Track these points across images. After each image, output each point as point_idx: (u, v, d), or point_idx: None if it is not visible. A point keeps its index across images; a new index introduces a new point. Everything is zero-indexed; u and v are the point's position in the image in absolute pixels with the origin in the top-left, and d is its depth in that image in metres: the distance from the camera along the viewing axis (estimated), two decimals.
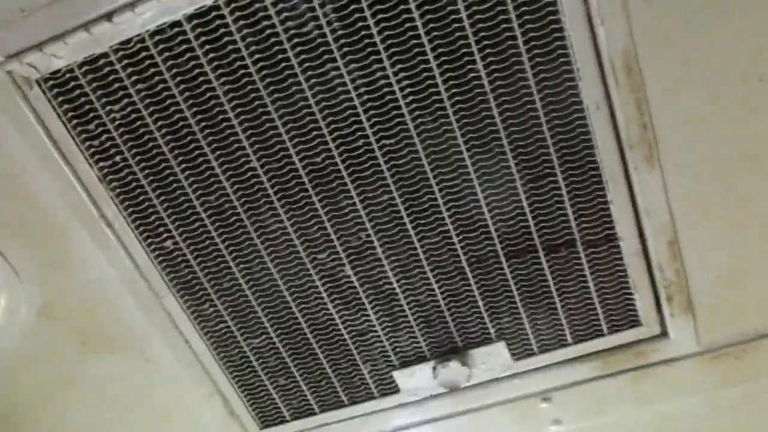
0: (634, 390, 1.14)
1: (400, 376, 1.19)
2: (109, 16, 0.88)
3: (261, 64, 0.93)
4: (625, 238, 1.02)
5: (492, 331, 1.14)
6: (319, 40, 0.91)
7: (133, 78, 0.95)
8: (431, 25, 0.89)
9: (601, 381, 1.15)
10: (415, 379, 1.19)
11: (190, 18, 0.90)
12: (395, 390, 1.21)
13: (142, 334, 1.17)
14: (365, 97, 0.95)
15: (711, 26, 0.86)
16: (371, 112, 0.96)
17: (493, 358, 1.15)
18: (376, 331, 1.15)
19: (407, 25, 0.89)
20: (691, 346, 1.10)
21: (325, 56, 0.92)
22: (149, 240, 1.08)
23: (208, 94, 0.96)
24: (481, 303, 1.11)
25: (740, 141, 0.94)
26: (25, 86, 0.94)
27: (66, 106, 0.97)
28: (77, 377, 1.25)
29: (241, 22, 0.90)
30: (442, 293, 1.11)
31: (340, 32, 0.90)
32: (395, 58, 0.91)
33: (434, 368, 1.15)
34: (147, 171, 1.02)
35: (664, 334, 1.10)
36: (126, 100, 0.96)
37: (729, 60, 0.88)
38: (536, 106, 0.94)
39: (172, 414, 1.26)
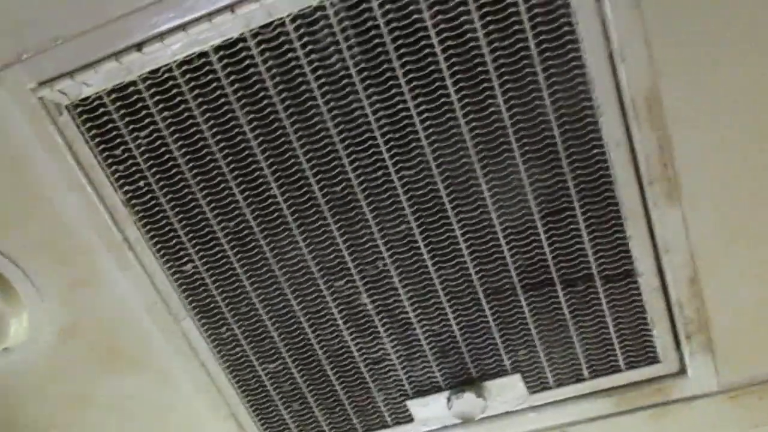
0: (652, 427, 1.13)
1: (415, 406, 1.18)
2: (139, 47, 0.91)
3: (284, 94, 0.94)
4: (644, 274, 1.02)
5: (507, 363, 1.13)
6: (342, 72, 0.93)
7: (160, 106, 0.97)
8: (453, 59, 0.90)
9: (618, 417, 1.13)
10: (429, 409, 1.18)
11: (217, 49, 0.92)
12: (409, 419, 1.21)
13: (160, 356, 1.19)
14: (386, 128, 0.96)
15: (733, 65, 0.86)
16: (391, 143, 0.97)
17: (508, 390, 1.15)
18: (391, 360, 1.15)
19: (429, 59, 0.90)
20: (711, 385, 1.08)
21: (348, 88, 0.94)
22: (169, 263, 1.10)
23: (232, 123, 0.97)
24: (497, 335, 1.11)
25: (762, 180, 0.93)
26: (54, 112, 0.97)
27: (94, 132, 0.99)
28: (95, 396, 1.26)
29: (267, 54, 0.92)
30: (457, 324, 1.11)
31: (362, 65, 0.92)
32: (416, 90, 0.92)
33: (449, 399, 1.15)
34: (170, 196, 1.04)
35: (682, 371, 1.09)
36: (152, 127, 0.98)
37: (752, 98, 0.88)
38: (556, 141, 0.94)
39: None
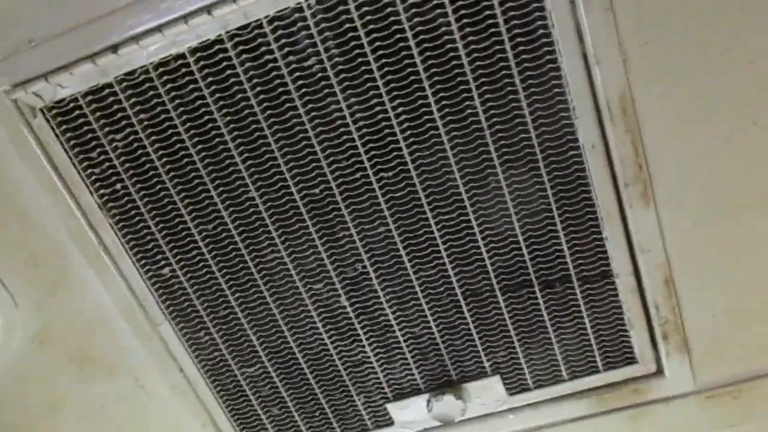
0: (630, 428, 1.14)
1: (394, 409, 1.18)
2: (114, 48, 0.90)
3: (262, 96, 0.94)
4: (621, 275, 1.02)
5: (487, 365, 1.13)
6: (319, 74, 0.93)
7: (136, 108, 0.96)
8: (430, 61, 0.90)
9: (597, 418, 1.14)
10: (409, 412, 1.18)
11: (193, 51, 0.91)
12: (389, 422, 1.20)
13: (137, 361, 1.17)
14: (364, 130, 0.96)
15: (707, 70, 0.88)
16: (369, 146, 0.97)
17: (487, 392, 1.15)
18: (370, 363, 1.15)
19: (406, 61, 0.91)
20: (687, 385, 1.09)
21: (325, 90, 0.94)
22: (147, 267, 1.09)
23: (209, 125, 0.97)
24: (476, 336, 1.11)
25: (734, 182, 0.94)
26: (29, 114, 0.96)
27: (69, 135, 0.98)
28: (70, 402, 1.24)
29: (244, 56, 0.92)
30: (437, 326, 1.11)
31: (340, 67, 0.92)
32: (394, 93, 0.93)
33: (429, 401, 1.15)
34: (146, 199, 1.03)
35: (659, 372, 1.10)
36: (128, 130, 0.98)
37: (724, 104, 0.89)
38: (533, 143, 0.95)
39: None
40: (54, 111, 0.96)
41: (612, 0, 0.85)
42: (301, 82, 0.93)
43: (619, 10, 0.85)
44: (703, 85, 0.89)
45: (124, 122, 0.97)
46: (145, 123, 0.97)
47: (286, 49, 0.91)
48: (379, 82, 0.92)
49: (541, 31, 0.88)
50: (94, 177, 1.02)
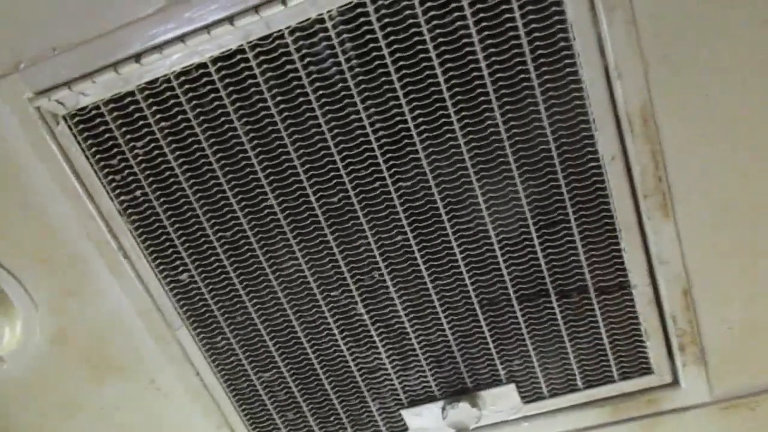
0: None
1: (409, 415, 1.18)
2: (137, 57, 0.91)
3: (282, 106, 0.95)
4: (638, 286, 1.02)
5: (502, 373, 1.14)
6: (339, 83, 0.93)
7: (157, 116, 0.97)
8: (450, 72, 0.91)
9: (611, 427, 1.14)
10: (423, 419, 1.19)
11: (215, 61, 0.92)
12: (404, 429, 1.21)
13: (154, 365, 1.18)
14: (383, 140, 0.96)
15: (727, 83, 0.88)
16: (388, 155, 0.97)
17: (502, 400, 1.15)
18: (386, 369, 1.16)
19: (427, 72, 0.91)
20: (703, 396, 1.09)
21: (345, 100, 0.94)
22: (165, 272, 1.10)
23: (229, 134, 0.97)
24: (492, 345, 1.11)
25: (754, 195, 0.94)
26: (51, 121, 0.97)
27: (90, 142, 0.99)
28: (86, 404, 1.25)
29: (265, 66, 0.92)
30: (453, 334, 1.11)
31: (360, 77, 0.92)
32: (414, 102, 0.93)
33: (443, 408, 1.15)
34: (166, 206, 1.04)
35: (675, 382, 1.10)
36: (149, 137, 0.98)
37: (744, 116, 0.89)
38: (552, 153, 0.95)
39: None
40: (76, 118, 0.97)
41: (634, 13, 0.84)
42: (321, 91, 0.94)
43: (640, 22, 0.85)
44: (723, 98, 0.89)
45: (145, 130, 0.98)
46: (166, 131, 0.98)
47: (307, 60, 0.92)
48: (399, 93, 0.92)
49: (562, 43, 0.88)
50: (114, 183, 1.02)
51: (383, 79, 0.92)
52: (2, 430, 1.32)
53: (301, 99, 0.94)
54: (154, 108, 0.96)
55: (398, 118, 0.94)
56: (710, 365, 1.06)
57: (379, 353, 1.14)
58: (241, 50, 0.91)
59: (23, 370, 1.23)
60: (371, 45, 0.90)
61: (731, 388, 1.09)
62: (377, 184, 1.00)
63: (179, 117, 0.97)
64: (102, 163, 1.01)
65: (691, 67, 0.87)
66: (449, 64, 0.90)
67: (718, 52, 0.86)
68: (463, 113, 0.93)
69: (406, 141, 0.96)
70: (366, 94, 0.93)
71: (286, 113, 0.95)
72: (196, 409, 1.22)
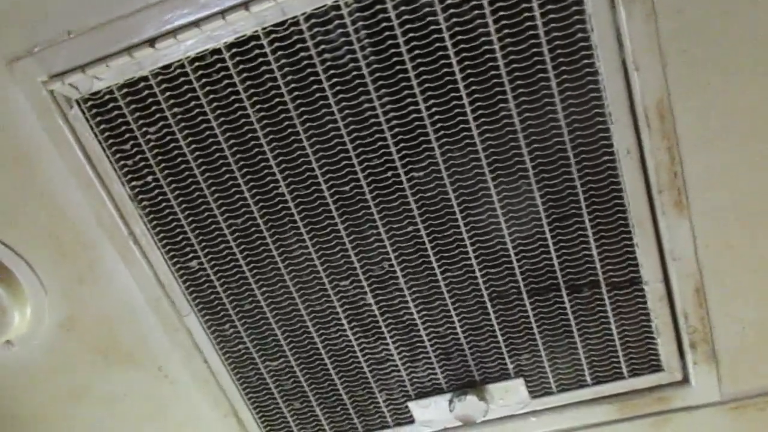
0: None
1: (416, 407, 1.18)
2: (152, 42, 0.90)
3: (296, 93, 0.94)
4: (650, 282, 1.02)
5: (510, 367, 1.13)
6: (354, 72, 0.92)
7: (171, 102, 0.97)
8: (466, 62, 0.90)
9: (619, 424, 1.13)
10: (430, 411, 1.18)
11: (229, 46, 0.92)
12: (410, 420, 1.21)
13: (162, 352, 1.19)
14: (396, 129, 0.96)
15: (746, 78, 0.86)
16: (401, 144, 0.97)
17: (510, 394, 1.15)
18: (394, 361, 1.15)
19: (442, 63, 0.90)
20: (713, 395, 1.08)
21: (360, 88, 0.93)
22: (175, 259, 1.10)
23: (242, 120, 0.97)
24: (501, 338, 1.11)
25: None
26: (65, 105, 0.97)
27: (103, 126, 0.99)
28: (93, 390, 1.26)
29: (279, 53, 0.92)
30: (462, 327, 1.11)
31: (375, 66, 0.92)
32: (428, 92, 0.92)
33: (451, 401, 1.15)
34: (177, 192, 1.03)
35: (685, 381, 1.09)
36: (162, 123, 0.98)
37: (762, 114, 0.88)
38: (566, 146, 0.94)
39: None
40: (90, 103, 0.97)
41: (654, 6, 0.83)
42: (335, 79, 0.93)
43: (660, 16, 0.84)
44: (741, 95, 0.88)
45: (158, 115, 0.98)
46: (179, 117, 0.98)
47: (322, 47, 0.91)
48: (414, 82, 0.92)
49: (580, 34, 0.87)
50: (126, 168, 1.02)
51: (398, 68, 0.91)
52: (10, 414, 1.33)
53: (314, 87, 0.94)
54: (168, 93, 0.96)
55: (412, 108, 0.94)
56: (721, 364, 1.06)
57: (387, 344, 1.14)
58: (255, 36, 0.91)
59: (32, 354, 1.23)
60: (387, 33, 0.89)
61: (741, 388, 1.08)
62: (389, 173, 0.99)
63: (192, 103, 0.96)
64: (114, 148, 1.01)
65: (711, 63, 0.86)
66: (464, 54, 0.89)
67: (737, 48, 0.85)
68: (478, 105, 0.93)
69: (419, 131, 0.96)
70: (380, 83, 0.93)
71: (299, 101, 0.95)
72: (204, 397, 1.22)
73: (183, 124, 0.98)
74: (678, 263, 0.98)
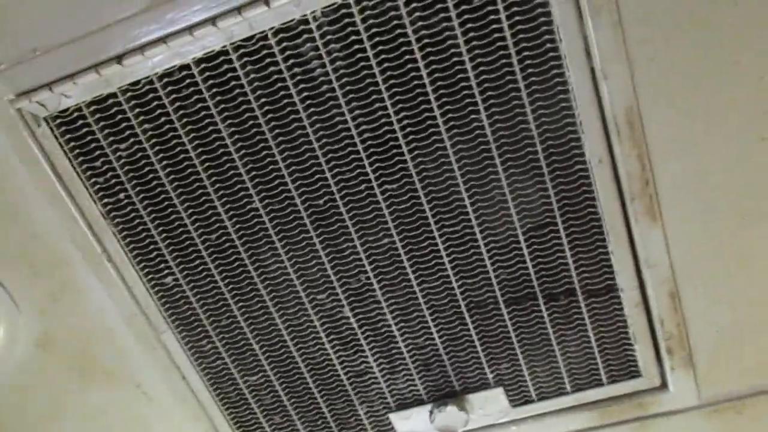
0: None
1: (397, 419, 1.18)
2: (119, 59, 0.90)
3: (266, 107, 0.94)
4: (626, 289, 1.02)
5: (490, 376, 1.13)
6: (324, 85, 0.92)
7: (140, 118, 0.96)
8: (436, 74, 0.90)
9: (600, 431, 1.13)
10: (411, 423, 1.18)
11: (198, 62, 0.91)
12: None
13: (139, 369, 1.17)
14: (368, 141, 0.95)
15: (714, 85, 0.87)
16: (373, 157, 0.96)
17: (490, 403, 1.15)
18: (373, 373, 1.15)
19: (413, 74, 0.90)
20: (692, 399, 1.09)
21: (330, 102, 0.93)
22: (150, 276, 1.09)
23: (213, 135, 0.96)
24: (479, 348, 1.10)
25: (742, 198, 0.94)
26: (33, 123, 0.96)
27: (73, 144, 0.98)
28: (71, 409, 1.24)
29: (249, 67, 0.91)
30: (440, 337, 1.10)
31: (345, 79, 0.91)
32: (399, 104, 0.92)
33: (431, 412, 1.15)
34: (150, 208, 1.02)
35: (664, 386, 1.09)
36: (132, 140, 0.97)
37: (731, 119, 0.89)
38: (539, 156, 0.94)
39: None
40: (58, 120, 0.96)
41: (620, 15, 0.84)
42: (305, 93, 0.93)
43: (626, 24, 0.84)
44: (710, 101, 0.88)
45: (128, 132, 0.97)
46: (149, 133, 0.97)
47: (291, 61, 0.91)
48: (384, 94, 0.92)
49: (548, 45, 0.87)
50: (97, 186, 1.01)
51: (368, 80, 0.91)
52: None
53: (285, 101, 0.93)
54: (137, 110, 0.95)
55: (384, 120, 0.94)
56: (698, 368, 1.06)
57: (366, 357, 1.13)
58: (224, 51, 0.90)
59: (7, 374, 1.21)
60: (356, 47, 0.89)
61: (719, 392, 1.08)
62: (363, 186, 0.99)
63: (162, 119, 0.95)
64: (85, 166, 1.00)
65: (679, 70, 0.87)
66: (434, 66, 0.89)
67: (704, 55, 0.86)
68: (449, 115, 0.93)
69: (392, 143, 0.95)
70: (351, 96, 0.92)
71: (270, 115, 0.95)
72: (183, 414, 1.21)
73: (154, 140, 0.98)
74: (652, 270, 0.99)
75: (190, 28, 0.87)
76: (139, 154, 0.99)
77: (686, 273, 0.99)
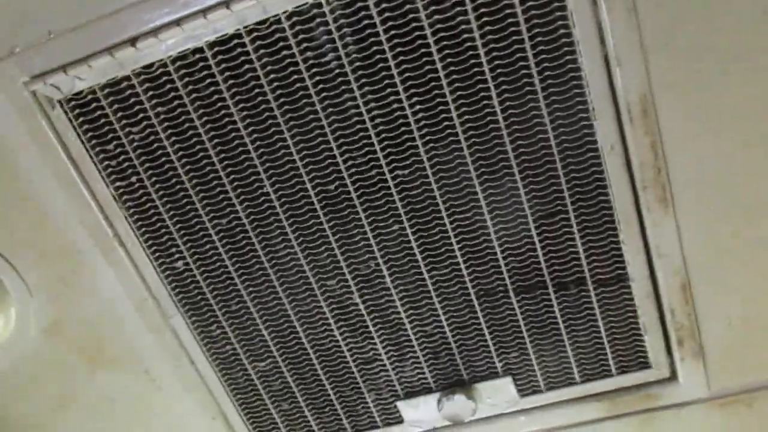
0: None
1: (405, 407, 1.18)
2: (133, 42, 0.90)
3: (279, 92, 0.94)
4: (637, 279, 1.01)
5: (499, 365, 1.13)
6: (337, 70, 0.92)
7: (153, 101, 0.96)
8: (449, 59, 0.90)
9: (608, 422, 1.13)
10: (419, 411, 1.18)
11: (211, 45, 0.91)
12: (399, 420, 1.20)
13: (149, 354, 1.18)
14: (380, 127, 0.95)
15: (728, 74, 0.86)
16: (385, 143, 0.96)
17: (499, 393, 1.14)
18: (382, 361, 1.15)
19: (425, 59, 0.90)
20: (701, 392, 1.08)
21: (342, 86, 0.93)
22: (160, 260, 1.09)
23: (225, 119, 0.97)
24: (488, 337, 1.10)
25: (755, 188, 0.93)
26: (47, 106, 0.96)
27: (86, 127, 0.98)
28: (80, 394, 1.25)
29: (262, 51, 0.91)
30: (449, 325, 1.10)
31: (358, 63, 0.91)
32: (411, 90, 0.92)
33: (439, 401, 1.14)
34: (161, 192, 1.03)
35: (673, 377, 1.09)
36: (145, 123, 0.98)
37: (744, 109, 0.88)
38: (550, 143, 0.94)
39: None
40: (72, 103, 0.97)
41: (635, 1, 0.83)
42: (318, 78, 0.93)
43: (641, 11, 0.84)
44: (724, 90, 0.88)
45: (141, 115, 0.97)
46: (162, 116, 0.97)
47: (304, 45, 0.91)
48: (397, 79, 0.92)
49: (562, 30, 0.87)
50: (110, 169, 1.02)
51: (381, 65, 0.91)
52: None
53: (298, 85, 0.93)
54: (150, 93, 0.96)
55: (396, 106, 0.94)
56: (708, 360, 1.05)
57: (375, 344, 1.13)
58: (237, 35, 0.90)
59: (17, 359, 1.22)
60: (369, 31, 0.89)
61: (729, 384, 1.08)
62: (374, 172, 0.99)
63: (175, 102, 0.96)
64: (98, 149, 1.00)
65: (692, 57, 0.86)
66: (447, 51, 0.89)
67: (719, 42, 0.85)
68: (461, 102, 0.92)
69: (404, 129, 0.95)
70: (364, 81, 0.92)
71: (282, 99, 0.95)
72: (191, 399, 1.22)
73: (166, 123, 0.98)
74: (664, 260, 0.98)
75: (203, 11, 0.88)
76: (152, 138, 0.99)
77: (698, 264, 0.99)
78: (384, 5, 0.87)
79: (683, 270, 0.99)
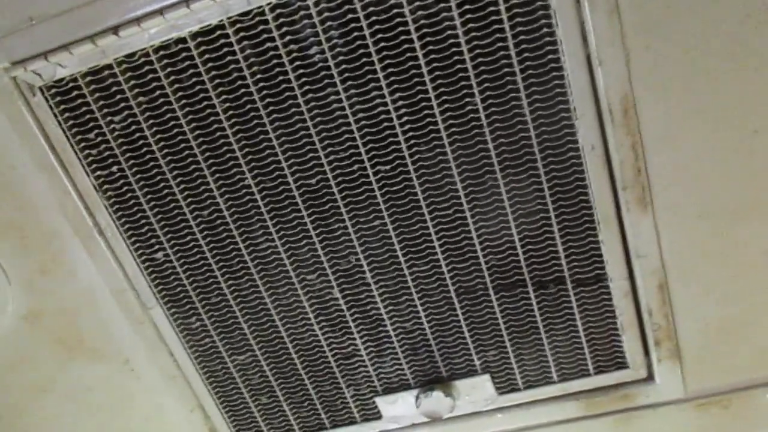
0: None
1: (383, 403, 1.18)
2: (115, 30, 0.90)
3: (262, 84, 0.94)
4: (615, 278, 1.02)
5: (477, 363, 1.13)
6: (320, 64, 0.92)
7: (135, 90, 0.96)
8: (432, 56, 0.90)
9: (585, 421, 1.14)
10: (397, 407, 1.18)
11: (194, 35, 0.91)
12: (377, 416, 1.20)
13: (127, 345, 1.17)
14: (363, 123, 0.95)
15: (709, 76, 0.87)
16: (368, 138, 0.96)
17: (477, 390, 1.15)
18: (361, 356, 1.15)
19: (408, 55, 0.90)
20: (678, 392, 1.09)
21: (326, 81, 0.93)
22: (140, 251, 1.09)
23: (208, 111, 0.96)
24: (467, 334, 1.11)
25: (734, 190, 0.94)
26: (28, 93, 0.96)
27: (67, 115, 0.98)
28: (57, 384, 1.24)
29: (245, 43, 0.91)
30: (428, 322, 1.10)
31: (341, 58, 0.91)
32: (394, 86, 0.92)
33: (417, 397, 1.15)
34: (142, 182, 1.02)
35: (650, 378, 1.09)
36: (126, 112, 0.97)
37: (725, 111, 0.89)
38: (532, 142, 0.94)
39: (152, 427, 1.26)
40: (53, 90, 0.96)
41: (617, 1, 0.84)
42: (301, 71, 0.93)
43: (624, 12, 0.84)
44: (705, 91, 0.88)
45: (122, 104, 0.97)
46: (144, 106, 0.97)
47: (288, 38, 0.90)
48: (380, 75, 0.92)
49: (545, 29, 0.87)
50: (90, 158, 1.01)
51: (364, 60, 0.91)
52: None
53: (281, 77, 0.93)
54: (132, 82, 0.95)
55: (379, 101, 0.94)
56: (685, 361, 1.06)
57: (354, 339, 1.13)
58: (221, 26, 0.90)
59: None
60: (353, 25, 0.89)
61: (706, 385, 1.08)
62: (356, 167, 0.99)
63: (157, 92, 0.95)
64: (78, 137, 1.00)
65: (674, 58, 0.87)
66: (431, 47, 0.89)
67: (701, 44, 0.86)
68: (444, 98, 0.93)
69: (386, 125, 0.95)
70: (347, 74, 0.92)
71: (265, 92, 0.94)
72: (170, 391, 1.21)
73: (148, 113, 0.97)
74: (642, 260, 0.99)
75: (186, 1, 0.87)
76: (133, 127, 0.98)
77: (676, 265, 0.99)
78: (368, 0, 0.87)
79: (661, 271, 1.00)
